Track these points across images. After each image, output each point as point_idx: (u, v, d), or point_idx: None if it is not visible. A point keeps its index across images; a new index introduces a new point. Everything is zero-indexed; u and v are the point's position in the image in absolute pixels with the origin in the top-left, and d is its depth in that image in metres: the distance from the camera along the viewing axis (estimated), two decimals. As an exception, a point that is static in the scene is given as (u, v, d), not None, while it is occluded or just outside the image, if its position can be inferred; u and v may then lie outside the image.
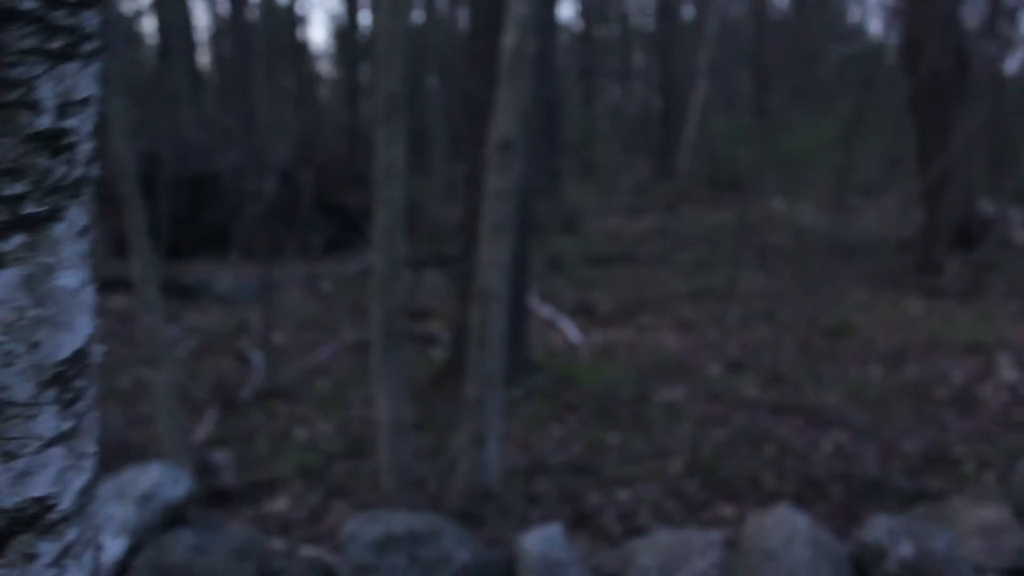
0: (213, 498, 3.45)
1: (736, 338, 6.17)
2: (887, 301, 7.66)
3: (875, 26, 24.79)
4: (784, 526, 2.62)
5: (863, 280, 8.41)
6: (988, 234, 9.26)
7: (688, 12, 24.89)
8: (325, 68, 27.34)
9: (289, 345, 6.13)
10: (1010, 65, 21.47)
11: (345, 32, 21.39)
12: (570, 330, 6.41)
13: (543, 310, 7.00)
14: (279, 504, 3.33)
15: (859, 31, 25.41)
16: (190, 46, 15.43)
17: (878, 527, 2.68)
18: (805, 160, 11.06)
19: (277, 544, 2.82)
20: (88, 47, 0.54)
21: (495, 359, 2.85)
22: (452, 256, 5.54)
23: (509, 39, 2.79)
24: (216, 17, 20.11)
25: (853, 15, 26.81)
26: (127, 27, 17.66)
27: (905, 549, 2.47)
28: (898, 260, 9.35)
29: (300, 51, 20.20)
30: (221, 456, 3.72)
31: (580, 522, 3.56)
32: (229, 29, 16.17)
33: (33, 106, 0.51)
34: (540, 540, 2.61)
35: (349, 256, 9.61)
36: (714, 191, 14.02)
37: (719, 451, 4.22)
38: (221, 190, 10.23)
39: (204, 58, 20.35)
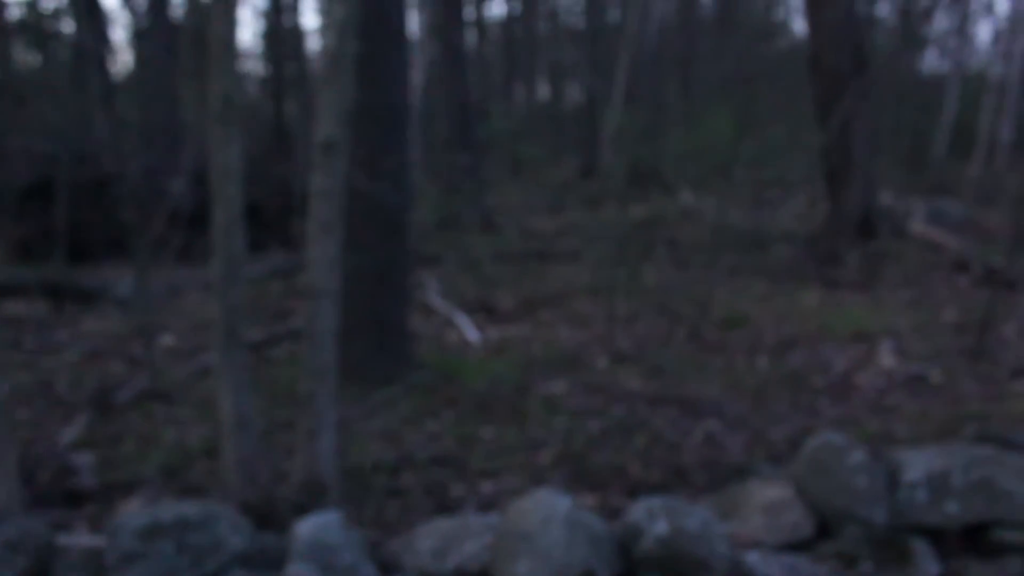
0: (68, 499, 3.44)
1: (627, 332, 6.26)
2: (786, 293, 7.83)
3: (799, 25, 25.27)
4: (542, 508, 2.72)
5: (766, 273, 8.60)
6: (886, 226, 9.52)
7: (616, 12, 25.13)
8: (255, 66, 27.09)
9: (181, 347, 6.09)
10: (923, 64, 22.06)
11: (272, 31, 21.24)
12: (467, 327, 6.46)
13: (442, 307, 7.04)
14: (133, 504, 3.33)
15: (783, 29, 25.91)
16: (104, 45, 15.13)
17: (639, 508, 2.79)
18: (717, 155, 11.22)
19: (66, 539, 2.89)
20: None
21: (325, 354, 2.89)
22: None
23: (329, 41, 2.83)
24: (136, 16, 19.80)
25: (777, 14, 27.30)
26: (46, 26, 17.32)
27: (660, 527, 2.58)
28: (803, 253, 9.56)
29: (224, 50, 19.93)
30: (83, 458, 3.70)
31: (441, 514, 3.61)
32: (150, 28, 15.95)
33: None
34: (314, 525, 2.68)
35: (261, 258, 9.54)
36: (634, 187, 14.19)
37: (591, 442, 4.29)
38: (130, 193, 10.10)
39: (126, 57, 20.05)
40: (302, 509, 2.85)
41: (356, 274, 4.99)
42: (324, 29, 2.90)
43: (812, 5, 10.04)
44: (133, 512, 2.85)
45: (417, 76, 9.45)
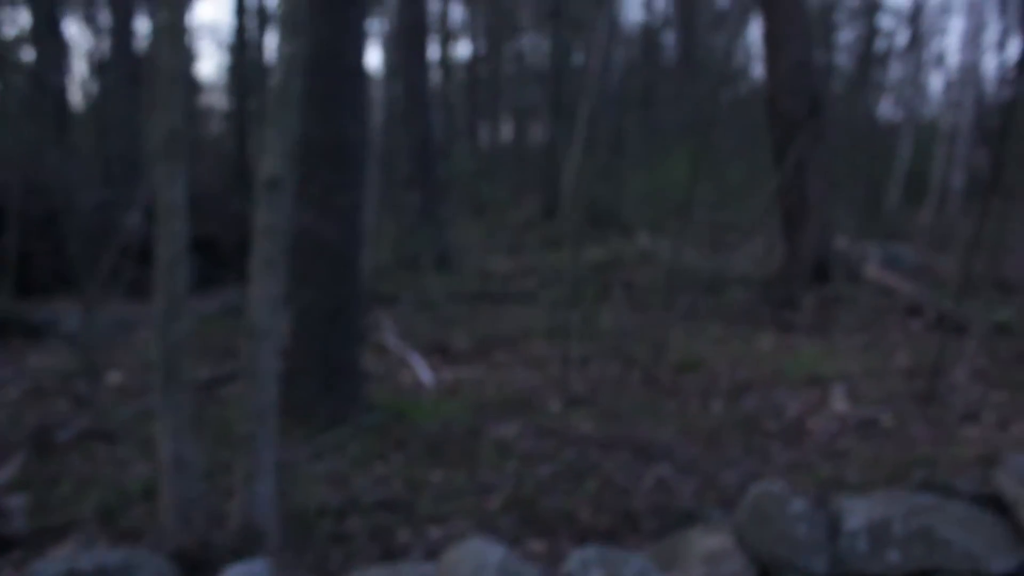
0: (-3, 545, 3.33)
1: (582, 374, 6.24)
2: (741, 336, 7.86)
3: (759, 70, 25.73)
4: (474, 557, 2.67)
5: (722, 316, 8.64)
6: (841, 270, 9.63)
7: (581, 55, 25.42)
8: (218, 100, 27.02)
9: (128, 385, 5.96)
10: (878, 111, 22.53)
11: (236, 65, 21.20)
12: (420, 368, 6.40)
13: (397, 348, 6.98)
14: (64, 549, 3.21)
15: (743, 74, 26.34)
16: (63, 75, 15.01)
17: (574, 559, 2.75)
18: (675, 197, 11.34)
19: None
20: None
21: (265, 395, 2.83)
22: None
23: (275, 77, 2.80)
24: (99, 47, 19.70)
25: (738, 59, 27.77)
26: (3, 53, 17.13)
27: (594, 578, 2.54)
28: (759, 297, 9.62)
29: (186, 84, 19.87)
30: (15, 500, 3.58)
31: (386, 560, 3.53)
32: (112, 59, 15.83)
33: None
34: (241, 573, 2.59)
35: (215, 293, 9.43)
36: (593, 229, 14.27)
37: (542, 487, 4.24)
38: (85, 226, 9.96)
39: (91, 89, 19.88)
40: (238, 556, 2.77)
41: (306, 313, 4.95)
42: (272, 65, 2.87)
43: (769, 50, 10.22)
44: (52, 559, 2.73)
45: (377, 114, 9.45)
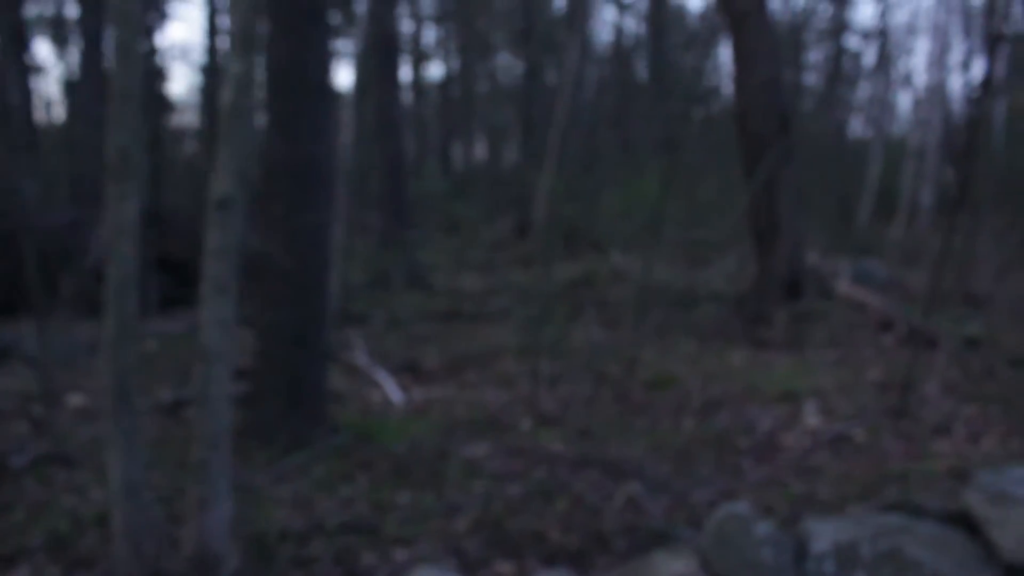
0: (-57, 575, 3.21)
1: (553, 393, 6.18)
2: (714, 353, 7.83)
3: (729, 88, 25.92)
4: None
5: (695, 332, 8.61)
6: (812, 286, 9.64)
7: (554, 73, 25.52)
8: (191, 119, 26.83)
9: (90, 408, 5.83)
10: (848, 129, 22.76)
11: (207, 85, 21.07)
12: (390, 387, 6.31)
13: (367, 367, 6.89)
14: (16, 579, 3.11)
15: (714, 93, 26.52)
16: (28, 95, 14.85)
17: None
18: (646, 215, 11.33)
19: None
20: None
21: (219, 420, 2.74)
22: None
23: (227, 96, 2.74)
24: (67, 67, 19.53)
25: (709, 79, 27.98)
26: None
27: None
28: (732, 313, 9.61)
29: (157, 103, 19.71)
30: (-35, 529, 3.46)
31: (350, 585, 3.45)
32: (80, 80, 15.70)
33: None
34: None
35: (183, 313, 9.30)
36: (567, 247, 14.24)
37: (510, 507, 4.17)
38: (51, 245, 9.81)
39: (59, 108, 19.71)
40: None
41: (270, 333, 4.86)
42: (224, 85, 2.80)
43: (739, 69, 10.26)
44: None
45: (347, 133, 9.40)
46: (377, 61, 12.58)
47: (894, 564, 2.82)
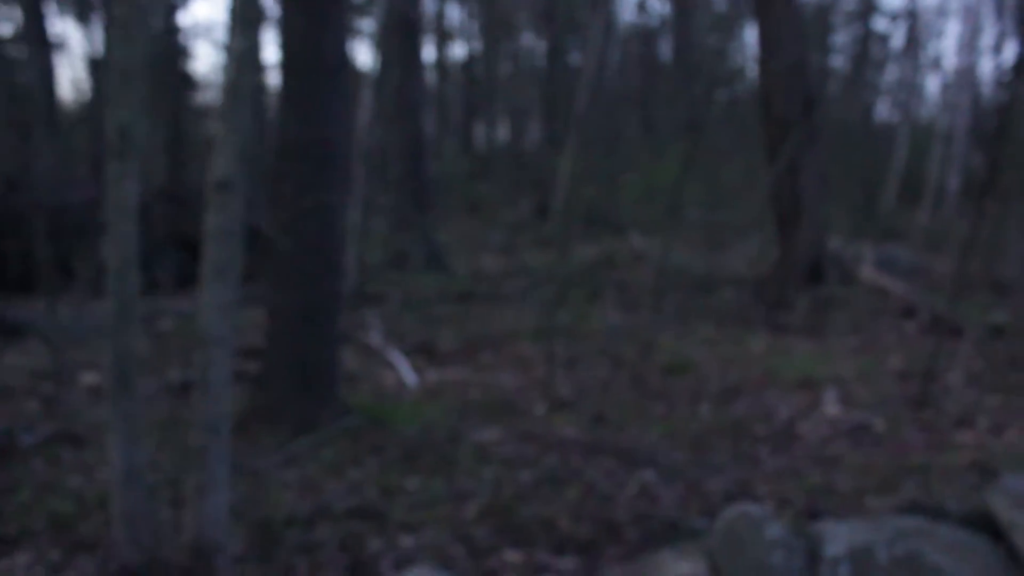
0: (-54, 556, 3.18)
1: (568, 377, 6.10)
2: (733, 338, 7.73)
3: (753, 70, 25.61)
4: None
5: (714, 316, 8.50)
6: (835, 271, 9.51)
7: (577, 55, 25.30)
8: (214, 97, 26.82)
9: (104, 386, 5.81)
10: (875, 113, 22.44)
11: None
12: (404, 369, 6.26)
13: (381, 348, 6.84)
14: (19, 560, 3.07)
15: (739, 73, 26.22)
16: (49, 73, 14.88)
17: None
18: (667, 197, 11.21)
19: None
20: None
21: (219, 405, 2.68)
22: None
23: (227, 74, 2.66)
24: (91, 46, 19.53)
25: (735, 60, 27.67)
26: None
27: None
28: (752, 297, 9.49)
29: (180, 82, 19.74)
30: (-32, 509, 3.44)
31: (355, 571, 3.40)
32: (104, 59, 15.72)
33: None
34: None
35: (193, 292, 9.27)
36: (588, 229, 14.12)
37: (521, 494, 4.10)
38: (69, 223, 9.81)
39: (83, 87, 19.75)
40: (189, 572, 2.63)
41: (282, 314, 4.81)
42: (225, 62, 2.72)
43: (764, 52, 10.10)
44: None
45: (364, 113, 9.33)
46: (398, 40, 12.48)
47: (912, 569, 2.71)
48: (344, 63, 5.13)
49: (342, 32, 5.09)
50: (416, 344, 7.16)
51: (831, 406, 5.70)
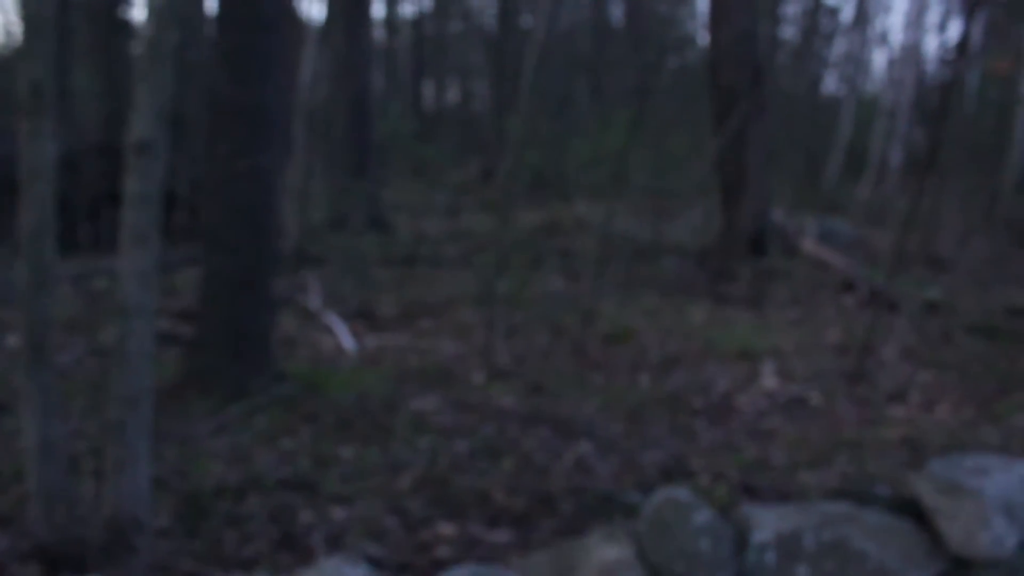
0: None
1: (508, 345, 6.06)
2: (675, 307, 7.75)
3: (704, 38, 25.63)
4: None
5: (657, 285, 8.52)
6: (777, 243, 9.58)
7: (529, 17, 25.05)
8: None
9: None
10: (822, 86, 22.61)
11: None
12: (342, 334, 6.16)
13: (319, 312, 6.73)
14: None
15: (690, 41, 26.22)
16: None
17: (451, 574, 2.57)
18: (613, 164, 11.17)
19: None
20: None
21: (137, 378, 2.58)
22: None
23: (147, 30, 2.53)
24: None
25: (686, 27, 27.65)
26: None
27: (469, 594, 2.37)
28: (695, 267, 9.54)
29: (116, 30, 19.09)
30: None
31: (285, 543, 3.33)
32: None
33: None
34: None
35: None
36: (535, 194, 14.05)
37: (456, 464, 4.06)
38: (7, 174, 9.47)
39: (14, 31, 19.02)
40: (106, 551, 2.54)
41: (215, 278, 4.68)
42: (145, 17, 2.58)
43: (714, 19, 10.07)
44: None
45: (307, 70, 9.10)
46: (344, -4, 12.19)
47: (838, 555, 2.73)
48: (283, 17, 4.96)
49: (282, -15, 4.93)
50: (356, 308, 7.06)
51: (768, 379, 5.75)
